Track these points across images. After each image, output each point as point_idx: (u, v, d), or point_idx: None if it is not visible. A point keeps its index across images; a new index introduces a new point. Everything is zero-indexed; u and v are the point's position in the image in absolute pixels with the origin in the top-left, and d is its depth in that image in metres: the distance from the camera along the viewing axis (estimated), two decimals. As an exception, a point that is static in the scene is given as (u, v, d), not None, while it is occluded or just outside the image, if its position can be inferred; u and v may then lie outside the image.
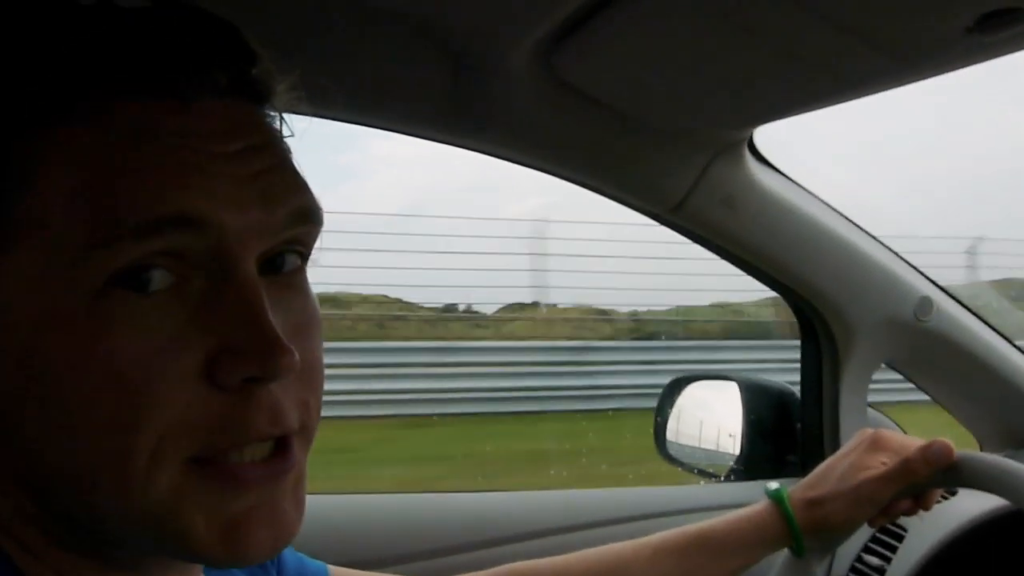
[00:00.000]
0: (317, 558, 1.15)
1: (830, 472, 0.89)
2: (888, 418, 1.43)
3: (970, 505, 1.18)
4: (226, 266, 0.44)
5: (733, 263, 1.27)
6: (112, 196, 0.42)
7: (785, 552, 0.91)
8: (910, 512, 0.91)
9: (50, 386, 0.42)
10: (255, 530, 0.45)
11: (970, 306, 1.32)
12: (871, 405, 1.38)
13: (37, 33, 0.44)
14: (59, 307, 0.42)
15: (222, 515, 0.45)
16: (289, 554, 0.74)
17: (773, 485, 0.89)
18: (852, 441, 0.91)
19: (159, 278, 0.43)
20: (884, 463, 0.87)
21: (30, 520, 0.46)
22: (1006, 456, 0.88)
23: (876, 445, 0.89)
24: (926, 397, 1.43)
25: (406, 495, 1.40)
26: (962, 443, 1.42)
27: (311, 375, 0.48)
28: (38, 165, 0.43)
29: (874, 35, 0.77)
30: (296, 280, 0.49)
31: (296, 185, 0.48)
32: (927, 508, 0.91)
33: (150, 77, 0.44)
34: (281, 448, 0.46)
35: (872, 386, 1.36)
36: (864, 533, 1.22)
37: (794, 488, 0.90)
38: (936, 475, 0.85)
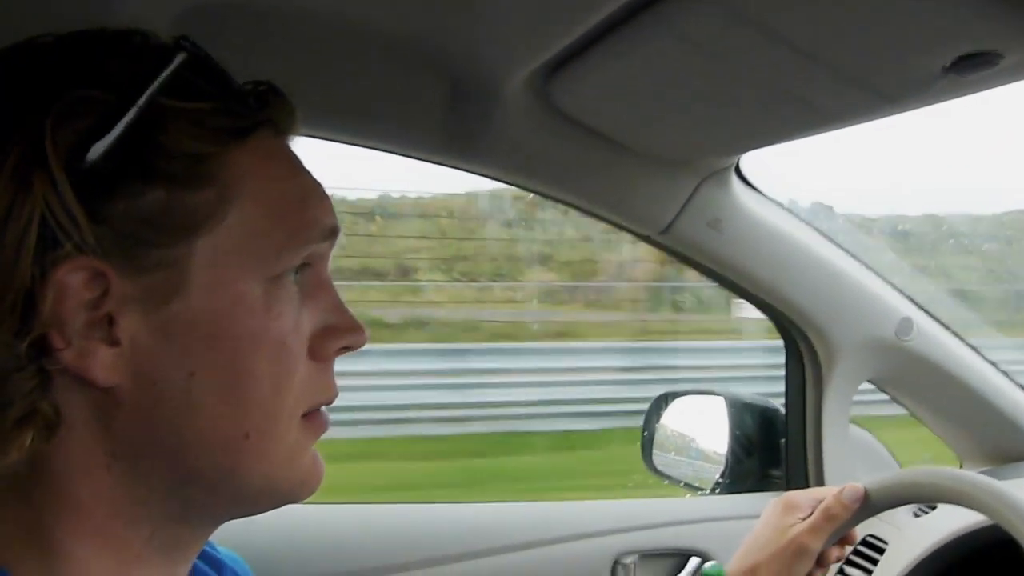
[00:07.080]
0: (312, 566, 1.17)
1: (757, 541, 0.94)
2: (870, 434, 1.46)
3: (949, 520, 1.20)
4: (320, 266, 0.56)
5: (720, 283, 1.30)
6: (303, 211, 0.53)
7: None
8: (841, 556, 0.96)
9: (226, 354, 0.50)
10: (320, 464, 0.57)
11: (951, 327, 1.36)
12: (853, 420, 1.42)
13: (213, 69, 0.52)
14: (246, 289, 0.50)
15: (310, 456, 0.56)
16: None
17: (708, 566, 0.93)
18: (765, 512, 0.96)
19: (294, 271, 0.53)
20: (802, 519, 0.92)
21: (131, 510, 0.51)
22: (985, 473, 0.91)
23: (789, 507, 0.94)
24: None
25: (394, 505, 1.41)
26: (943, 460, 1.46)
27: None
28: (237, 176, 0.51)
29: (855, 72, 0.80)
30: None
31: None
32: (853, 543, 0.98)
33: (268, 112, 0.54)
34: None
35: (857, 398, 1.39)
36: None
37: (729, 565, 0.95)
38: (855, 513, 0.92)
